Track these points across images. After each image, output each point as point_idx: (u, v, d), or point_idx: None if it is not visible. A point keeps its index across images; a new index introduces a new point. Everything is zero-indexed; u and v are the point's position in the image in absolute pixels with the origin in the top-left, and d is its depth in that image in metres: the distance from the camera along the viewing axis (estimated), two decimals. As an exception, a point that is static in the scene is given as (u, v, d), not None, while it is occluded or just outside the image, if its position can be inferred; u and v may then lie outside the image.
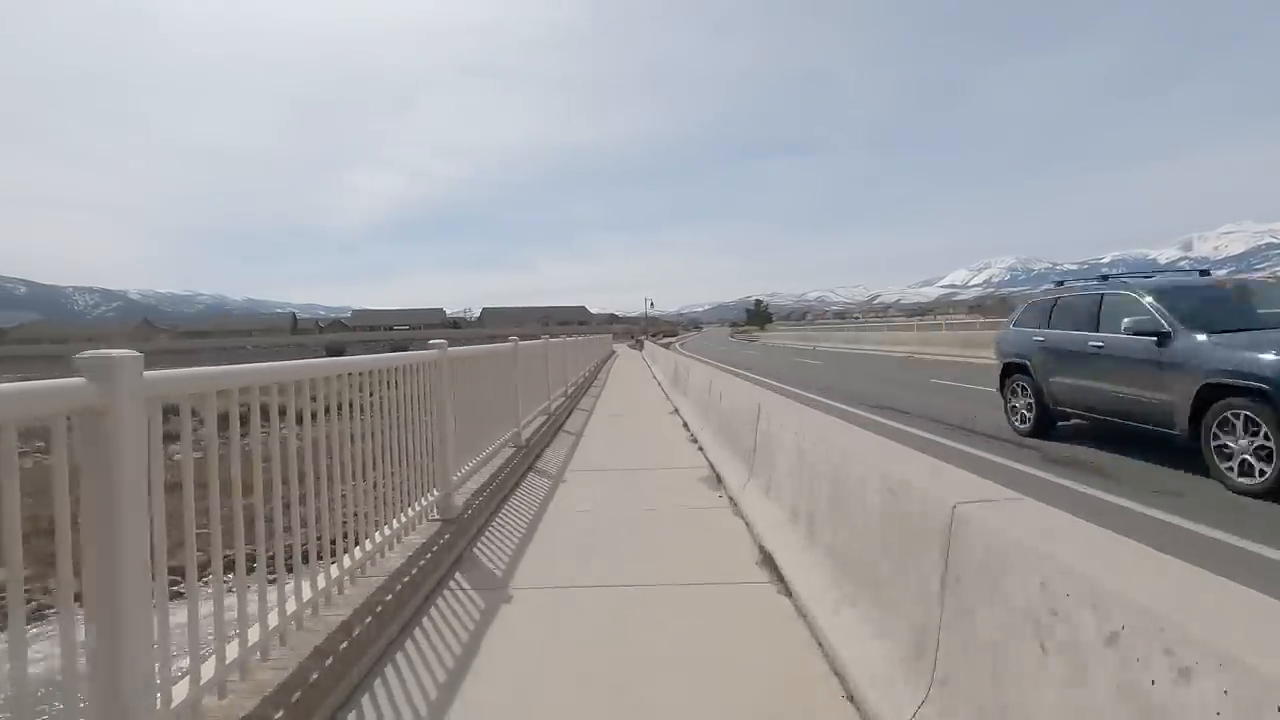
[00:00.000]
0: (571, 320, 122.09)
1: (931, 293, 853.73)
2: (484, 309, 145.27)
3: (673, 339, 77.66)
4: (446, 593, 3.54)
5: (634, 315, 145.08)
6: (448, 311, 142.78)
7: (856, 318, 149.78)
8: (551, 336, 11.55)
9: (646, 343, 46.51)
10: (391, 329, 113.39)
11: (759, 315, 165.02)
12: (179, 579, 2.07)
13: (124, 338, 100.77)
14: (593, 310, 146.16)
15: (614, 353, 34.73)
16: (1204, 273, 8.06)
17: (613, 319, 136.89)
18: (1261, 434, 5.22)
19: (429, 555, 3.65)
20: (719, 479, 5.80)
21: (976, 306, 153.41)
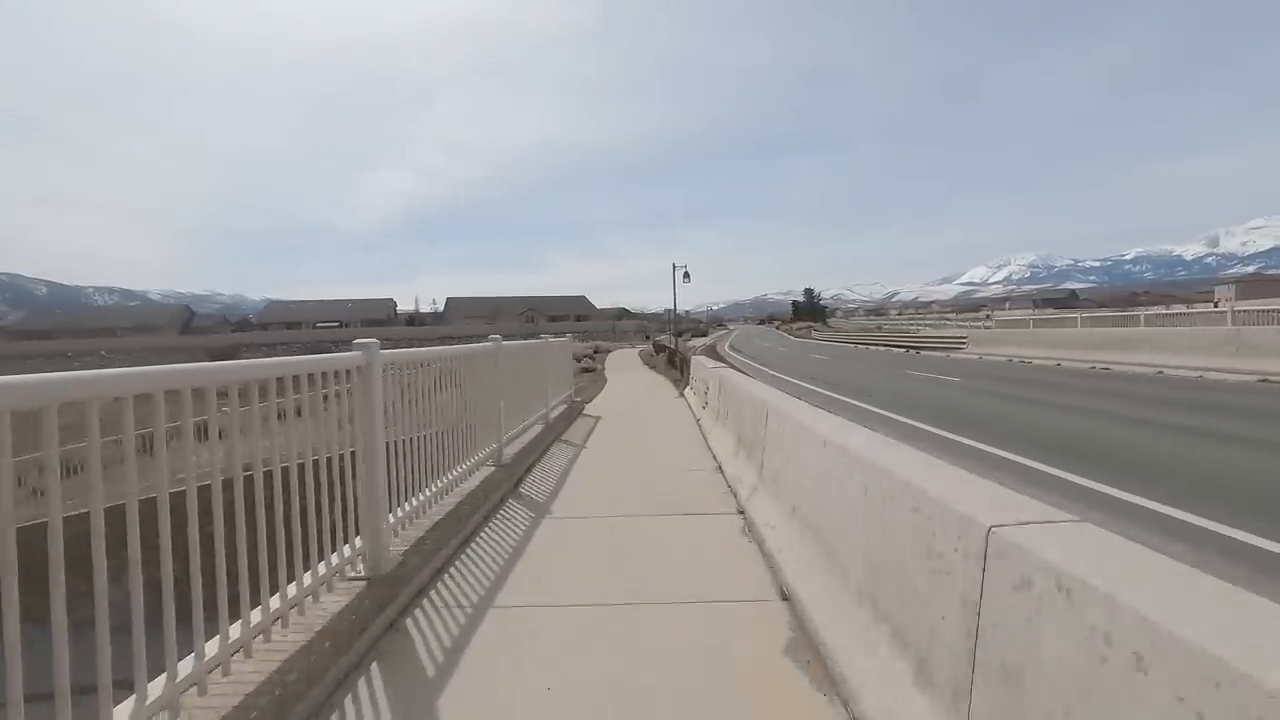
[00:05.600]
0: (568, 314, 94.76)
1: (950, 290, 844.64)
2: (449, 299, 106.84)
3: (702, 339, 62.67)
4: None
5: (651, 311, 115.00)
6: (400, 304, 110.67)
7: (897, 313, 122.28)
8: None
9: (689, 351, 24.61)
10: (316, 326, 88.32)
11: (815, 309, 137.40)
12: None
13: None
14: (598, 304, 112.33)
15: (576, 413, 11.09)
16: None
17: (623, 314, 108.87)
18: None
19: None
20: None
21: (1050, 301, 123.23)
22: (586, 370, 23.42)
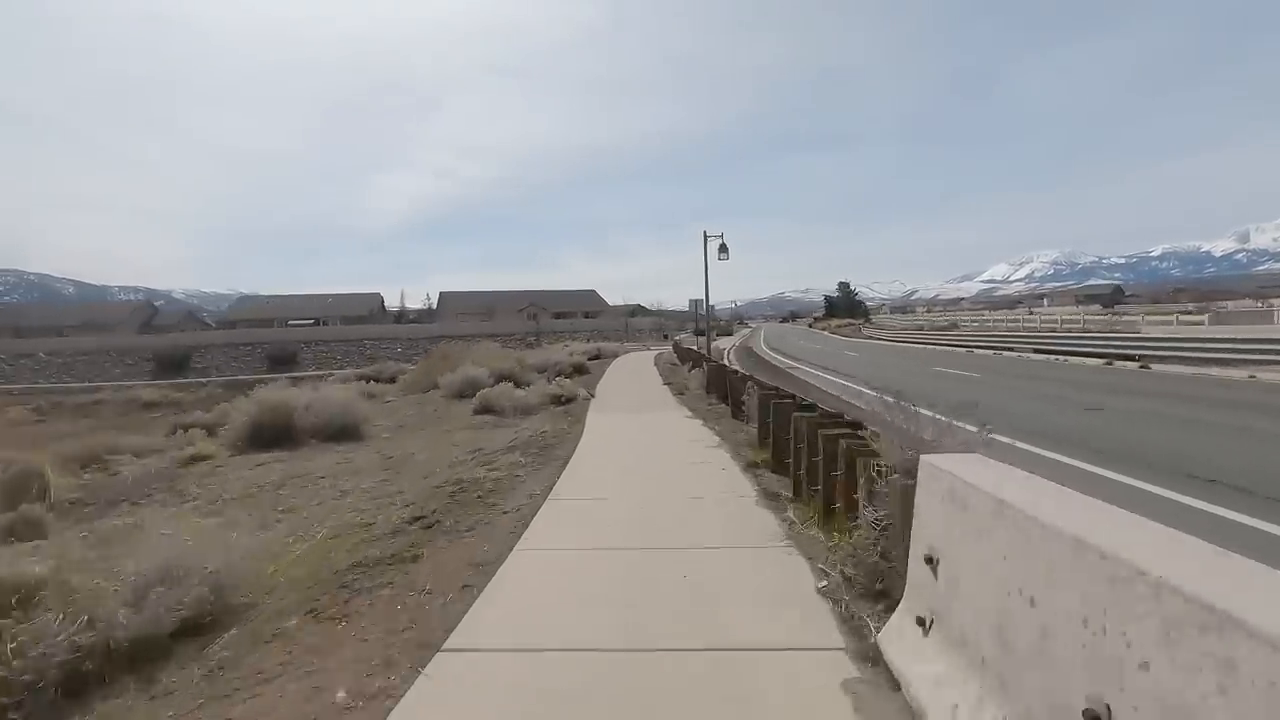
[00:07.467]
0: (575, 310, 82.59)
1: (971, 288, 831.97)
2: (441, 294, 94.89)
3: (728, 338, 55.81)
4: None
5: (669, 309, 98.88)
6: (406, 302, 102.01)
7: (925, 310, 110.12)
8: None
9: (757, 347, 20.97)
10: (288, 324, 73.45)
11: (853, 305, 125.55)
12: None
13: None
14: (610, 302, 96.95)
15: None
16: None
17: (637, 310, 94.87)
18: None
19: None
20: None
21: (1094, 296, 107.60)
22: (558, 400, 14.30)
